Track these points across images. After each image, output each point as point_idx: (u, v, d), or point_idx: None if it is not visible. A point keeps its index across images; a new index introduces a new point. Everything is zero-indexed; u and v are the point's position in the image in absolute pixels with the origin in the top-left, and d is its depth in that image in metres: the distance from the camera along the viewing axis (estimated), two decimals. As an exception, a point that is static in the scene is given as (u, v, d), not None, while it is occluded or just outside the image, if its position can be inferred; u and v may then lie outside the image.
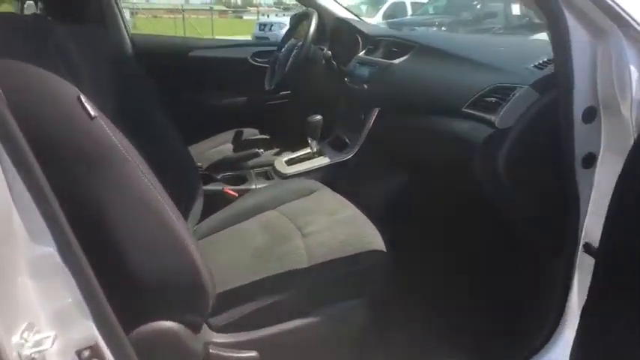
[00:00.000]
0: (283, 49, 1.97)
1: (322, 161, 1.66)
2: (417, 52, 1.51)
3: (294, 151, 1.82)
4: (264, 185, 1.58)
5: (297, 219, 1.18)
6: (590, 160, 0.84)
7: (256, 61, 2.31)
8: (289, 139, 1.93)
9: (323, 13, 1.90)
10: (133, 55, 2.13)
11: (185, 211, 1.17)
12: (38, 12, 1.69)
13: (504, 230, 1.18)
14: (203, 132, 2.05)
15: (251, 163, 1.74)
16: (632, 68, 0.75)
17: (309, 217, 1.18)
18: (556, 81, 0.83)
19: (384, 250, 1.05)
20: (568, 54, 0.78)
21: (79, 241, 0.59)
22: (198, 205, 1.28)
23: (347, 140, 1.71)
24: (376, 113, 1.59)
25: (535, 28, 8.57)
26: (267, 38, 9.83)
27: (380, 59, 1.63)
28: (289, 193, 1.33)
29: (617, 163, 0.71)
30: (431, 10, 9.40)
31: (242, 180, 1.63)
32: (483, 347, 1.13)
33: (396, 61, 1.54)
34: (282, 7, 23.96)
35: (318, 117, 1.64)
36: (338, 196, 1.33)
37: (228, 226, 1.22)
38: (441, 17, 8.09)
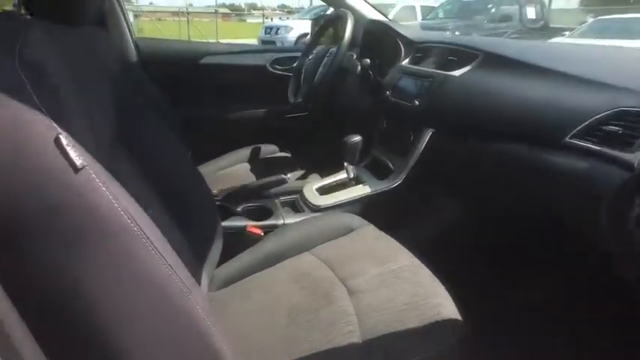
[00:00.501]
0: (310, 56, 1.71)
1: (362, 190, 1.39)
2: (483, 62, 1.24)
3: (323, 175, 1.56)
4: (294, 221, 1.31)
5: (338, 267, 0.95)
6: None
7: (276, 69, 2.06)
8: (318, 160, 1.67)
9: (354, 15, 1.65)
10: (138, 61, 1.88)
11: (201, 257, 0.94)
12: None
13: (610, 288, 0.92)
14: (215, 148, 1.80)
15: (275, 190, 1.48)
16: None
17: (354, 265, 0.95)
18: None
19: (459, 318, 0.80)
20: None
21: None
22: (217, 247, 1.03)
23: (390, 165, 1.44)
24: (429, 135, 1.32)
25: (551, 32, 8.37)
26: (273, 42, 9.62)
27: (432, 70, 1.37)
28: (325, 231, 1.11)
29: None
30: (441, 14, 9.17)
31: (266, 213, 1.37)
32: None
33: (456, 72, 1.27)
34: (285, 10, 23.78)
35: (357, 138, 1.37)
36: (384, 235, 1.09)
37: (252, 273, 1.00)
38: (453, 21, 7.84)
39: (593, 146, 0.84)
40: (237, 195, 1.42)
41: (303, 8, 12.05)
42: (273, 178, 1.43)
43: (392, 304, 0.81)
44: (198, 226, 0.96)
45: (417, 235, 1.29)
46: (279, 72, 2.04)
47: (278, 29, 10.15)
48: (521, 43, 1.35)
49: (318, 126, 1.92)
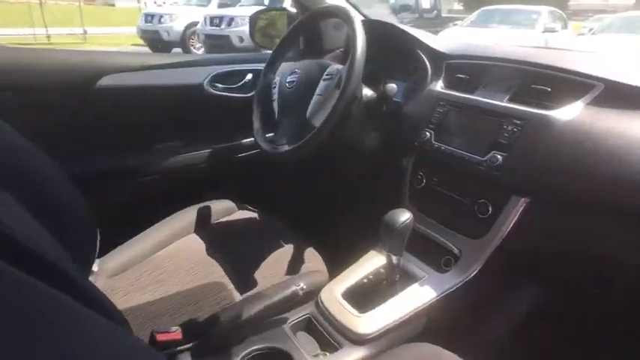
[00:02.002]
0: (281, 75, 1.14)
1: (422, 294, 0.90)
2: (607, 97, 0.81)
3: (336, 260, 1.03)
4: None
5: None
6: None
7: (217, 89, 1.42)
8: (305, 222, 1.14)
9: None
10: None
11: None
12: None
13: None
14: (135, 215, 1.15)
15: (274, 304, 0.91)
16: None
17: None
18: None
19: None
20: None
21: None
22: None
23: (453, 249, 0.96)
24: (522, 206, 0.86)
25: (443, 21, 8.58)
26: (156, 32, 8.35)
27: (512, 105, 0.90)
28: None
29: None
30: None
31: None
32: None
33: (560, 113, 0.83)
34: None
35: (408, 215, 0.86)
36: None
37: None
38: (353, 11, 7.56)
39: None
40: (219, 332, 0.83)
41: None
42: (283, 294, 0.86)
43: None
44: None
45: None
46: (224, 94, 1.42)
47: (161, 17, 8.62)
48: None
49: (301, 168, 1.36)
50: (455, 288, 0.90)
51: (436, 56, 1.10)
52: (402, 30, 1.16)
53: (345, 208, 1.29)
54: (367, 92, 1.11)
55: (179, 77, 1.34)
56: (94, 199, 0.73)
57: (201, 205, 1.23)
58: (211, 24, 8.02)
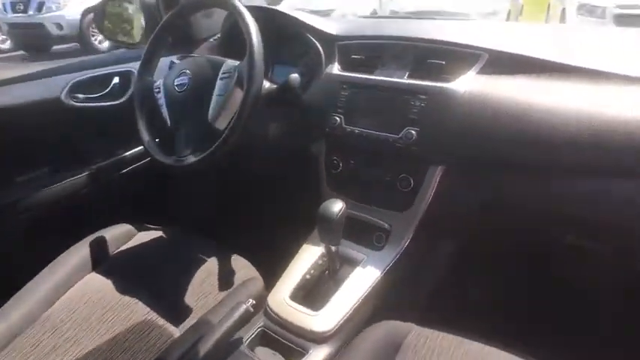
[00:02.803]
0: (181, 81, 1.02)
1: (365, 277, 0.93)
2: (493, 65, 0.90)
3: (266, 262, 1.01)
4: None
5: None
6: None
7: (78, 100, 1.21)
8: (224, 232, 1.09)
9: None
10: None
11: None
12: None
13: None
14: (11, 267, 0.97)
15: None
16: None
17: None
18: None
19: None
20: None
21: None
22: None
23: (383, 225, 1.00)
24: (439, 174, 0.93)
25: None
26: (39, 26, 6.19)
27: (414, 82, 0.95)
28: None
29: None
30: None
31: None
32: None
33: (455, 84, 0.90)
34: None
35: (340, 205, 0.86)
36: (444, 336, 0.76)
37: None
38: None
39: None
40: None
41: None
42: (225, 315, 0.80)
43: None
44: None
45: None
46: (88, 104, 1.22)
47: (42, 4, 6.38)
48: (530, 29, 1.05)
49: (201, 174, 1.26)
50: (394, 262, 0.95)
51: (326, 39, 1.09)
52: (288, 15, 1.13)
53: (262, 207, 1.25)
54: (265, 83, 1.06)
55: (30, 93, 1.11)
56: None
57: (94, 236, 1.07)
58: (14, 10, 6.52)
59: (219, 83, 0.95)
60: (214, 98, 0.94)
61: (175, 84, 1.00)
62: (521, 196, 0.90)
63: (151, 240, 1.11)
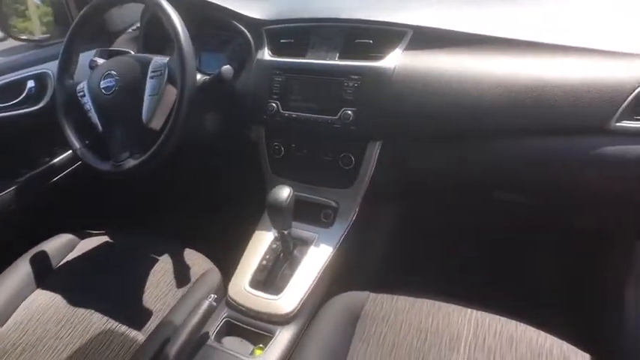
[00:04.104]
0: (108, 84, 0.97)
1: (317, 256, 0.97)
2: (418, 41, 0.95)
3: (219, 251, 1.02)
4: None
5: None
6: None
7: None
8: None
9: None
10: None
11: None
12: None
13: None
14: None
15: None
16: None
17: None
18: None
19: None
20: None
21: None
22: None
23: (330, 203, 1.04)
24: (378, 149, 0.98)
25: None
26: None
27: (345, 62, 0.98)
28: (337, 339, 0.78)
29: None
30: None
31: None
32: None
33: (385, 62, 0.94)
34: None
35: (287, 190, 0.89)
36: (398, 298, 0.83)
37: None
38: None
39: None
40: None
41: None
42: (190, 314, 0.81)
43: None
44: None
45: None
46: (2, 115, 1.13)
47: None
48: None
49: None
50: (344, 236, 1.00)
51: (253, 24, 1.08)
52: (211, 2, 1.10)
53: (209, 199, 1.24)
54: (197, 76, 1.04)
55: None
56: None
57: (34, 251, 1.03)
58: None
59: (149, 82, 0.92)
60: (147, 98, 0.92)
61: (102, 87, 0.96)
62: (455, 162, 0.97)
63: (96, 246, 1.08)
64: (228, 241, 1.04)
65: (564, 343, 0.74)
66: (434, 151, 0.97)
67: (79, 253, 1.06)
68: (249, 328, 0.87)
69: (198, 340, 0.84)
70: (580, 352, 0.72)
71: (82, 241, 1.09)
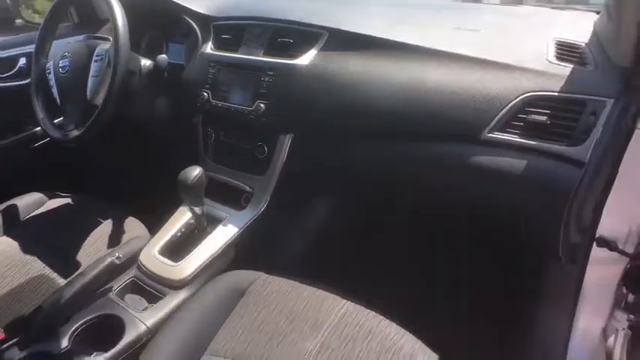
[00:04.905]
0: (64, 63, 1.12)
1: (226, 232, 1.06)
2: (331, 42, 1.01)
3: (149, 225, 1.13)
4: (159, 317, 0.91)
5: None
6: None
7: None
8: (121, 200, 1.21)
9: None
10: None
11: None
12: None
13: None
14: None
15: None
16: None
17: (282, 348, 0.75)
18: None
19: None
20: None
21: None
22: None
23: (244, 187, 1.13)
24: (289, 141, 1.06)
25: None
26: None
27: (267, 59, 1.06)
28: (210, 315, 0.84)
29: None
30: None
31: (112, 325, 0.90)
32: None
33: (301, 60, 1.01)
34: None
35: (198, 170, 0.99)
36: (286, 282, 0.88)
37: None
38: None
39: (528, 141, 0.77)
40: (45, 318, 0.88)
41: None
42: (95, 266, 0.93)
43: None
44: None
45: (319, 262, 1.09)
46: None
47: None
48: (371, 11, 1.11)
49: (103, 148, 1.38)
50: (253, 219, 1.08)
51: (202, 19, 1.19)
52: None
53: (156, 174, 1.36)
54: (146, 63, 1.16)
55: None
56: None
57: (6, 203, 1.19)
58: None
59: (93, 65, 1.06)
60: (91, 79, 1.06)
61: (59, 66, 1.11)
62: (361, 160, 1.02)
63: (60, 206, 1.24)
64: (166, 213, 1.16)
65: (418, 342, 0.75)
66: (342, 148, 1.02)
67: (44, 210, 1.22)
68: (148, 288, 0.98)
69: (101, 293, 0.96)
70: (429, 351, 0.74)
71: (50, 200, 1.25)
